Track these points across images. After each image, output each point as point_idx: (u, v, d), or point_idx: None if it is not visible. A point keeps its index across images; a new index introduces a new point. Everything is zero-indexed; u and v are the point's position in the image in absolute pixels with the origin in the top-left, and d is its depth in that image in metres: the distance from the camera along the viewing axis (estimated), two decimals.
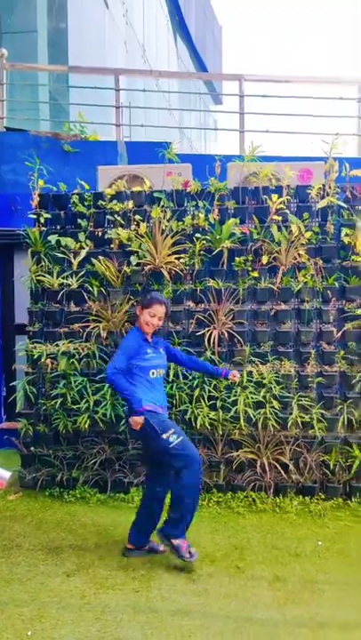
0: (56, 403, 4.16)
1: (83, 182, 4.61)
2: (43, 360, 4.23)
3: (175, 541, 3.10)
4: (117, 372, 3.16)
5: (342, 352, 4.06)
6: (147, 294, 3.67)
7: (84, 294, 4.31)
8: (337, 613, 2.71)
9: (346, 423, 3.96)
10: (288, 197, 4.19)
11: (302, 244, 4.09)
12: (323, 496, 3.95)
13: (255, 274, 4.15)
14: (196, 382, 4.03)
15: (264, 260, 4.12)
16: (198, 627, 2.62)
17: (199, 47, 17.79)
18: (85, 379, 4.17)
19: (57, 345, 4.25)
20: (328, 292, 4.11)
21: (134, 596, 2.87)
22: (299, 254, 4.10)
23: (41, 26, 8.26)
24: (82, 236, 4.38)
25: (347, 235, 4.07)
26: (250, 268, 4.18)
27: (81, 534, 3.55)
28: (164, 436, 3.09)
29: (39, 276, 4.39)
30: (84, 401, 4.11)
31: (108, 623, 2.64)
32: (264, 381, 3.96)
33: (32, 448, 4.27)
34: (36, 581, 3.02)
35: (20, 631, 2.58)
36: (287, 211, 4.17)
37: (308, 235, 4.08)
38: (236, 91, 6.56)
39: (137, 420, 3.12)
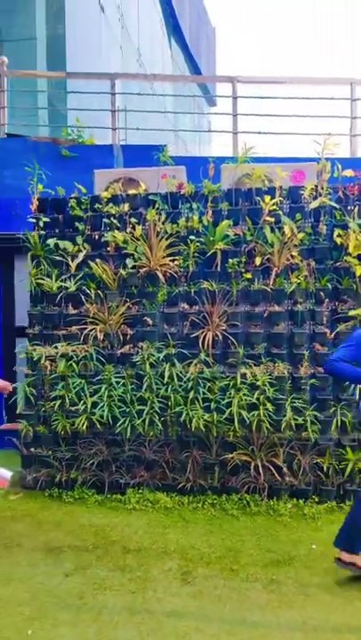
0: (55, 404, 4.20)
1: (80, 186, 4.65)
2: (42, 362, 4.26)
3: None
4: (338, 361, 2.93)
5: None
6: None
7: (82, 297, 4.34)
8: (330, 617, 2.73)
9: (339, 425, 3.98)
10: (281, 198, 4.23)
11: (295, 246, 4.13)
12: (316, 499, 3.96)
13: (248, 275, 4.19)
14: (190, 384, 4.06)
15: (257, 261, 4.15)
16: (193, 628, 2.65)
17: (193, 50, 17.82)
18: (83, 380, 4.21)
19: (56, 347, 4.29)
20: (321, 293, 4.14)
21: (131, 598, 2.90)
22: (292, 255, 4.13)
23: (40, 33, 8.31)
24: (79, 240, 4.42)
25: (339, 235, 4.10)
26: (243, 270, 4.21)
27: (79, 535, 3.58)
28: None
29: (39, 279, 4.43)
30: (81, 402, 4.14)
31: (105, 624, 2.68)
32: (258, 383, 3.98)
33: (32, 449, 4.31)
34: (36, 581, 3.05)
35: (21, 629, 2.62)
36: (280, 212, 4.20)
37: (300, 236, 4.11)
38: (230, 93, 6.60)
39: None
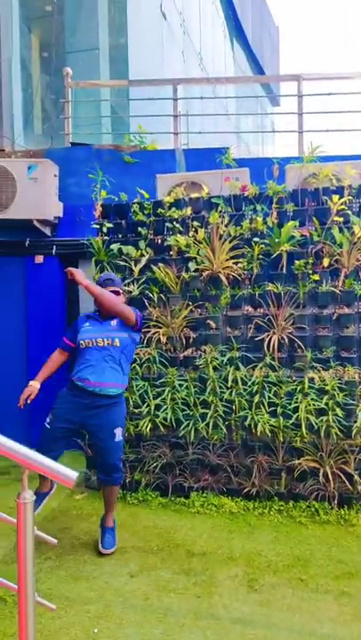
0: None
1: (142, 191, 4.72)
2: None
3: None
4: None
5: None
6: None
7: (145, 301, 4.40)
8: None
9: None
10: (350, 197, 4.06)
11: None
12: None
13: (316, 277, 4.06)
14: (255, 388, 3.99)
15: (325, 262, 4.01)
16: (261, 637, 2.59)
17: (256, 50, 17.67)
18: (147, 383, 4.25)
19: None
20: None
21: (196, 602, 2.88)
22: None
23: (103, 43, 8.58)
24: (142, 244, 4.48)
25: None
26: (310, 272, 4.09)
27: (143, 536, 3.61)
28: None
29: None
30: (145, 405, 4.19)
31: (171, 626, 2.68)
32: (326, 388, 3.85)
33: None
34: (102, 580, 3.11)
35: (87, 628, 2.67)
36: (349, 211, 4.04)
37: None
38: (295, 91, 6.46)
39: None
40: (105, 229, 4.59)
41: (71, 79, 6.52)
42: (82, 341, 3.50)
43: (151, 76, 8.41)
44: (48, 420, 3.42)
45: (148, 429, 4.14)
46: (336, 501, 3.83)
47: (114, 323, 3.56)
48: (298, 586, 3.01)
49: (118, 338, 3.49)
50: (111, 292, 3.56)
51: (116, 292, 3.61)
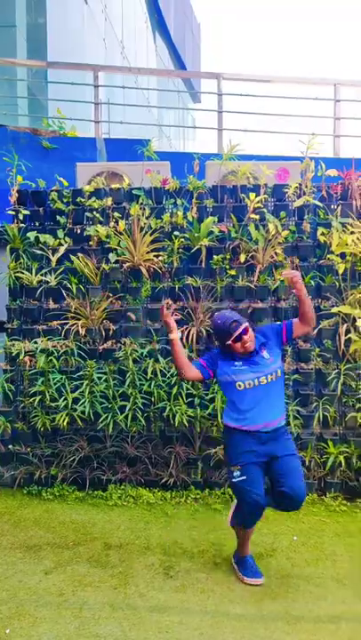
0: (35, 400, 4.13)
1: (61, 179, 4.58)
2: (21, 357, 4.19)
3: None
4: None
5: (318, 349, 4.14)
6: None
7: (63, 291, 4.29)
8: (312, 607, 2.77)
9: (321, 420, 4.04)
10: (266, 196, 4.25)
11: (279, 243, 4.15)
12: None
13: (233, 272, 4.20)
14: (174, 380, 4.05)
15: (242, 258, 4.16)
16: (176, 622, 2.65)
17: (178, 45, 17.77)
18: (64, 376, 4.15)
19: (35, 342, 4.22)
20: None
21: (112, 593, 2.88)
22: (276, 253, 4.15)
23: (20, 21, 8.15)
24: (61, 233, 4.35)
25: (323, 234, 4.14)
26: (228, 266, 4.22)
27: (59, 532, 3.54)
28: None
29: (18, 272, 4.35)
30: (62, 398, 4.09)
31: (87, 620, 2.65)
32: None
33: (10, 446, 4.23)
34: (15, 579, 3.00)
35: None
36: (265, 209, 4.22)
37: (285, 233, 4.14)
38: (215, 89, 6.60)
39: None
40: (21, 216, 4.39)
41: None
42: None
43: (70, 60, 8.14)
44: None
45: (65, 423, 4.05)
46: None
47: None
48: (212, 570, 3.12)
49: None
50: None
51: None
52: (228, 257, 4.22)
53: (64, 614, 2.70)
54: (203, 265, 4.22)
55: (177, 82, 17.02)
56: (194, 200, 4.30)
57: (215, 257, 4.20)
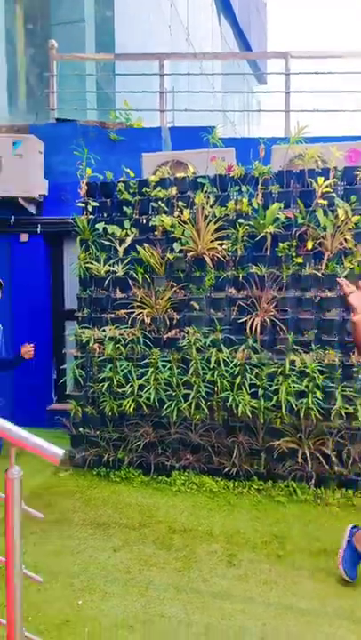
0: (103, 386, 4.29)
1: (128, 170, 4.66)
2: (90, 345, 4.36)
3: None
4: None
5: None
6: None
7: (130, 281, 4.39)
8: None
9: None
10: (335, 180, 4.08)
11: (349, 229, 3.98)
12: None
13: (299, 260, 4.09)
14: (237, 370, 4.04)
15: (309, 245, 4.04)
16: (239, 610, 2.67)
17: (244, 26, 17.33)
18: (130, 363, 4.27)
19: (104, 330, 4.37)
20: None
21: (177, 576, 2.96)
22: (345, 239, 3.99)
23: (89, 15, 8.32)
24: (127, 224, 4.45)
25: None
26: (294, 254, 4.11)
27: (126, 513, 3.68)
28: None
29: (87, 263, 4.51)
30: (129, 385, 4.22)
31: (152, 599, 2.75)
32: (307, 370, 3.91)
33: (81, 429, 4.44)
34: (86, 554, 3.17)
35: (72, 600, 2.73)
36: (334, 194, 4.06)
37: (355, 219, 3.96)
38: (282, 69, 6.38)
39: None
40: (90, 208, 4.54)
41: (56, 52, 6.33)
42: None
43: (138, 51, 8.20)
44: None
45: (131, 409, 4.18)
46: (313, 481, 3.92)
47: None
48: (275, 562, 3.11)
49: None
50: None
51: None
52: (294, 244, 4.12)
53: (131, 591, 2.82)
54: (268, 253, 4.15)
55: (242, 64, 16.65)
56: (259, 186, 4.22)
57: (281, 244, 4.11)
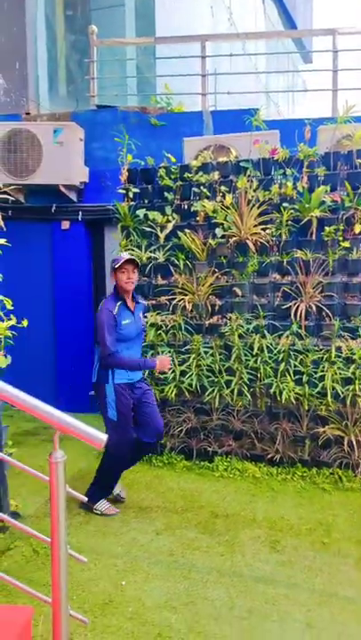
0: (145, 372, 4.33)
1: (169, 155, 4.63)
2: None
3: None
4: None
5: None
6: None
7: (171, 267, 4.38)
8: None
9: None
10: None
11: None
12: None
13: (347, 244, 3.95)
14: (281, 356, 3.98)
15: (356, 229, 3.90)
16: (282, 596, 2.67)
17: (288, 3, 16.75)
18: (172, 349, 4.29)
19: (145, 317, 4.39)
20: None
21: (220, 560, 2.98)
22: None
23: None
24: (168, 210, 4.43)
25: None
26: (341, 238, 3.98)
27: (168, 497, 3.72)
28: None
29: (128, 249, 4.53)
30: (170, 371, 4.24)
31: (195, 582, 2.78)
32: (354, 357, 3.81)
33: None
34: (129, 536, 3.23)
35: (115, 580, 2.80)
36: None
37: None
38: (329, 47, 6.12)
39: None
40: (131, 194, 4.54)
41: (96, 37, 6.32)
42: None
43: (179, 34, 8.07)
44: None
45: (173, 395, 4.20)
46: (360, 469, 3.84)
47: None
48: (320, 549, 3.08)
49: None
50: None
51: None
52: (341, 228, 3.98)
53: (174, 574, 2.86)
54: (313, 237, 4.04)
55: (287, 43, 16.13)
56: (304, 169, 4.09)
57: (327, 228, 3.98)
